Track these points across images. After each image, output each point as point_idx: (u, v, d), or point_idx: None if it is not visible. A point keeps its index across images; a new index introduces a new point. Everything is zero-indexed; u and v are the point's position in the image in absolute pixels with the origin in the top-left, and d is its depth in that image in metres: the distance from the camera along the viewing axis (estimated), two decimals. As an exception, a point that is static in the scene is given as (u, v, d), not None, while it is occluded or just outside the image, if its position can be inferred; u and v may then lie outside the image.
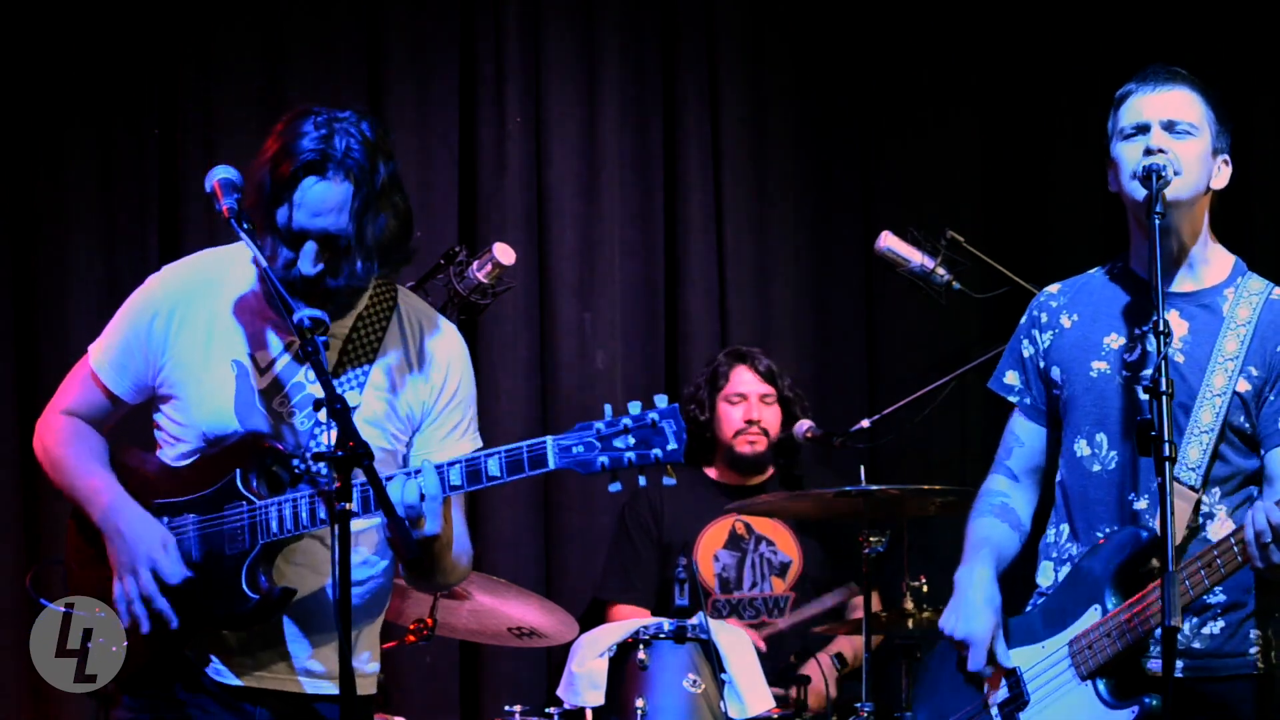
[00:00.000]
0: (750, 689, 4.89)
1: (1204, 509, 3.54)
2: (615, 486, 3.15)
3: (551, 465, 3.15)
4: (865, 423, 5.50)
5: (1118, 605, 3.52)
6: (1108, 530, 3.61)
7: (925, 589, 5.01)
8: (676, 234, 6.32)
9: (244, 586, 3.27)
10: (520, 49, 6.15)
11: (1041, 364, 3.75)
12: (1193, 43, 6.24)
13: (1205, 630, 3.55)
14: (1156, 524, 3.43)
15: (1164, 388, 3.29)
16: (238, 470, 3.31)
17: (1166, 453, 3.25)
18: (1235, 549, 3.35)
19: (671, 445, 3.11)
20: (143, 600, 3.28)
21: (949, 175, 6.43)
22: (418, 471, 3.20)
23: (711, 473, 5.95)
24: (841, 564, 5.78)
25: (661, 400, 3.15)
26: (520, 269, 5.44)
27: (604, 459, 3.12)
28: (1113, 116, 3.65)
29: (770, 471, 5.93)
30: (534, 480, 5.78)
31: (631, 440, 3.12)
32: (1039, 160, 6.27)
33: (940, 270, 5.35)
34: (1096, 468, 3.64)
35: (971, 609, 3.67)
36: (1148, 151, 3.52)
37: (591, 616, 5.71)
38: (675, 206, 6.32)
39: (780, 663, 5.46)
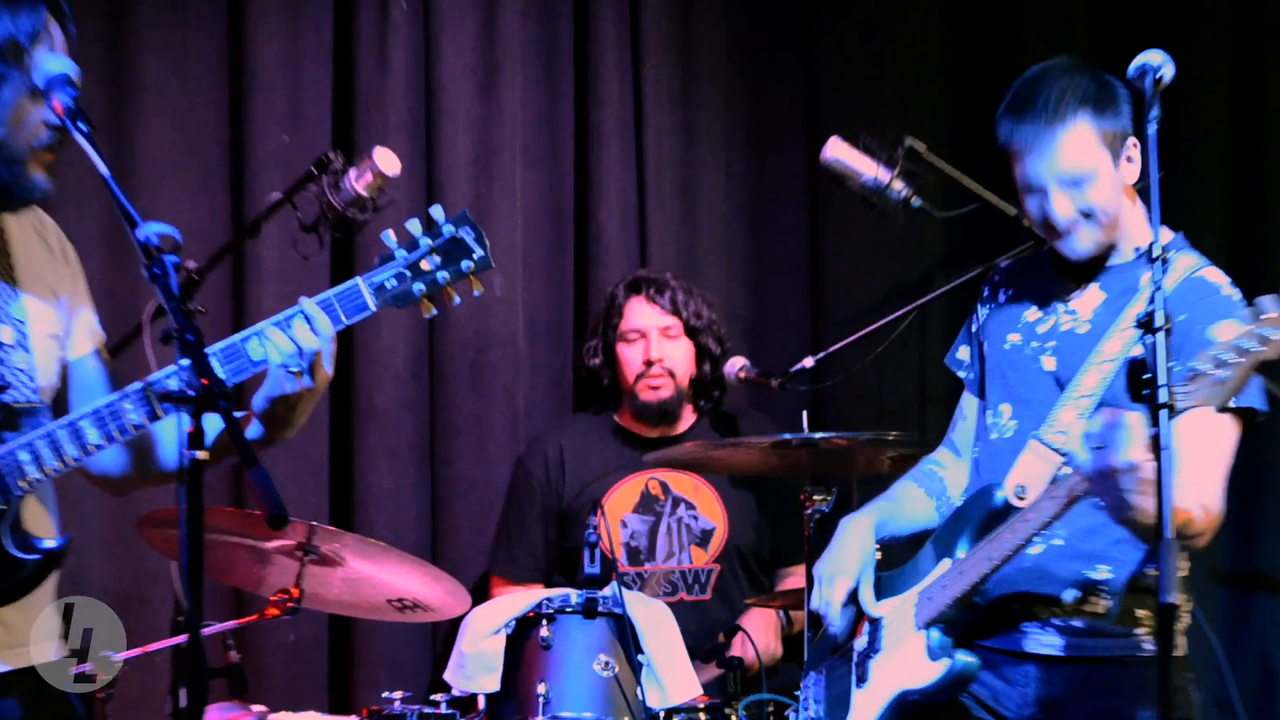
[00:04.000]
0: (672, 673, 4.65)
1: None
2: (432, 313, 3.26)
3: (373, 308, 3.18)
4: (808, 361, 5.38)
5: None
6: None
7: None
8: (589, 141, 6.02)
9: (13, 550, 3.07)
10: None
11: (979, 339, 4.00)
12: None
13: (1088, 608, 3.70)
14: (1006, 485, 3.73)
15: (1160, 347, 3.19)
16: None
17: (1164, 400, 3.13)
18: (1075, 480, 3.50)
19: (478, 253, 3.23)
20: None
21: (907, 73, 6.17)
22: (290, 317, 3.14)
23: (624, 422, 5.58)
24: (779, 529, 5.54)
25: (438, 211, 3.23)
26: (405, 180, 5.21)
27: (419, 285, 3.21)
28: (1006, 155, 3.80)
29: (692, 418, 5.57)
30: (418, 427, 5.76)
31: (439, 259, 3.21)
32: (1010, 57, 5.92)
33: (897, 184, 5.26)
34: (995, 436, 3.87)
35: (837, 551, 3.94)
36: (1048, 226, 3.70)
37: (485, 587, 5.52)
38: (587, 109, 6.02)
39: (706, 642, 5.12)
